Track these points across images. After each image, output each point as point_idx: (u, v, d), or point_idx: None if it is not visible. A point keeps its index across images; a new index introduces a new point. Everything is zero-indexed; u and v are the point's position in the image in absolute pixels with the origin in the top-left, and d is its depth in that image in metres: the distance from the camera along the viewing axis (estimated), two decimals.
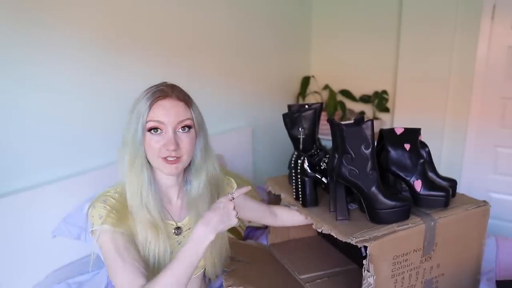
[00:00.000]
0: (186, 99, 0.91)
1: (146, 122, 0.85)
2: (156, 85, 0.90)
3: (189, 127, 0.89)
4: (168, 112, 0.86)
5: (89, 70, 1.49)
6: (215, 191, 1.02)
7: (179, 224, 0.97)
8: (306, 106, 1.32)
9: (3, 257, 1.22)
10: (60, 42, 1.38)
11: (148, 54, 1.72)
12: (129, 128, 0.87)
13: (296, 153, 1.24)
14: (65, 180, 1.40)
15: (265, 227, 1.69)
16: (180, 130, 0.88)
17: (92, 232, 0.85)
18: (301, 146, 1.25)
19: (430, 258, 0.99)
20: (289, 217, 1.20)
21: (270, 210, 1.20)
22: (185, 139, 0.88)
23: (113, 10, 1.55)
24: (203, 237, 0.81)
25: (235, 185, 1.14)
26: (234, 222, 0.85)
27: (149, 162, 0.90)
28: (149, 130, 0.86)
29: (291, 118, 1.26)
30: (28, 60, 1.29)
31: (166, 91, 0.88)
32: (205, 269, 1.06)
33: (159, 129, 0.86)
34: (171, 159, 0.87)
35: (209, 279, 1.10)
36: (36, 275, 1.31)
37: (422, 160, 1.05)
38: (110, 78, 1.57)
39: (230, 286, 1.06)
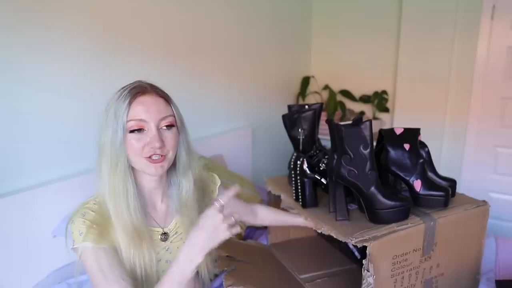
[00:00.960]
0: (165, 95, 0.87)
1: (127, 122, 0.80)
2: (130, 83, 0.86)
3: (172, 125, 0.86)
4: (148, 109, 0.81)
5: (89, 70, 1.49)
6: (201, 191, 1.00)
7: (166, 230, 0.93)
8: (306, 107, 1.32)
9: (4, 256, 1.22)
10: (61, 42, 1.38)
11: (149, 54, 1.72)
12: (105, 131, 0.81)
13: (295, 154, 1.24)
14: (66, 180, 1.40)
15: (265, 227, 1.69)
16: (164, 127, 0.84)
17: (74, 249, 0.81)
18: (300, 147, 1.25)
19: (430, 258, 0.99)
20: (269, 216, 1.18)
21: (251, 208, 1.18)
22: (168, 135, 0.84)
23: (113, 11, 1.55)
24: (189, 260, 0.76)
25: (218, 181, 1.10)
26: (225, 235, 0.76)
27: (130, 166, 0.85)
28: (131, 131, 0.81)
29: (291, 119, 1.26)
30: (28, 60, 1.30)
31: (144, 86, 0.84)
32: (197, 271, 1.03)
33: (141, 129, 0.82)
34: (156, 157, 0.82)
35: (203, 283, 1.07)
36: (36, 274, 1.31)
37: (421, 160, 1.05)
38: (110, 78, 1.57)
39: (230, 285, 1.06)
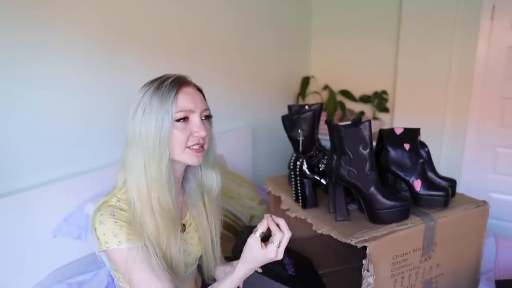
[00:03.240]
0: (201, 90, 0.90)
1: (176, 112, 0.81)
2: (165, 77, 0.85)
3: (211, 116, 0.89)
4: (194, 99, 0.84)
5: (89, 70, 1.49)
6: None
7: (183, 221, 0.95)
8: (306, 107, 1.32)
9: (3, 256, 1.22)
10: (61, 42, 1.38)
11: (149, 54, 1.72)
12: (146, 121, 0.80)
13: (295, 154, 1.25)
14: (65, 180, 1.40)
15: None
16: (203, 117, 0.86)
17: (106, 251, 0.79)
18: (300, 148, 1.25)
19: (430, 258, 0.99)
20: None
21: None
22: (207, 126, 0.87)
23: (113, 10, 1.55)
24: (244, 276, 0.82)
25: None
26: (272, 257, 0.79)
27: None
28: (177, 120, 0.81)
29: (290, 120, 1.26)
30: (28, 60, 1.30)
31: (185, 78, 0.86)
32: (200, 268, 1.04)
33: (186, 118, 0.83)
34: (198, 147, 0.84)
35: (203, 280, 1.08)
36: (36, 274, 1.31)
37: (421, 160, 1.05)
38: (110, 78, 1.57)
39: None
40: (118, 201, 0.83)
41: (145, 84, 0.85)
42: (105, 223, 0.78)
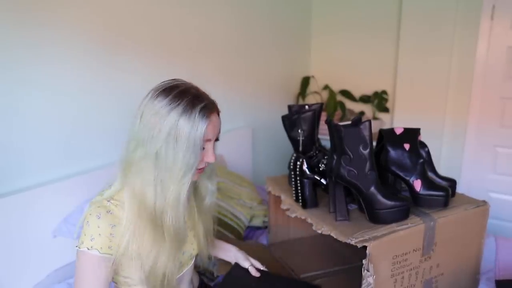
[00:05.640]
0: (219, 111, 0.89)
1: (203, 142, 0.81)
2: (191, 95, 0.80)
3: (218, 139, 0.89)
4: (214, 128, 0.84)
5: (89, 71, 1.49)
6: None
7: None
8: (306, 107, 1.32)
9: (4, 256, 1.22)
10: (62, 43, 1.38)
11: (149, 55, 1.72)
12: (173, 148, 0.77)
13: (295, 154, 1.25)
14: (65, 180, 1.40)
15: (265, 227, 1.69)
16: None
17: (79, 250, 0.80)
18: (300, 148, 1.25)
19: (430, 258, 0.99)
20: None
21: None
22: (214, 147, 0.89)
23: (114, 12, 1.55)
24: None
25: None
26: None
27: None
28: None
29: (290, 120, 1.26)
30: (28, 61, 1.30)
31: (213, 104, 0.85)
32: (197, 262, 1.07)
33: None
34: (201, 170, 0.87)
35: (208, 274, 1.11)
36: (36, 274, 1.31)
37: (421, 160, 1.05)
38: (110, 79, 1.57)
39: None
40: (110, 201, 0.82)
41: (165, 92, 0.79)
42: (90, 224, 0.79)
